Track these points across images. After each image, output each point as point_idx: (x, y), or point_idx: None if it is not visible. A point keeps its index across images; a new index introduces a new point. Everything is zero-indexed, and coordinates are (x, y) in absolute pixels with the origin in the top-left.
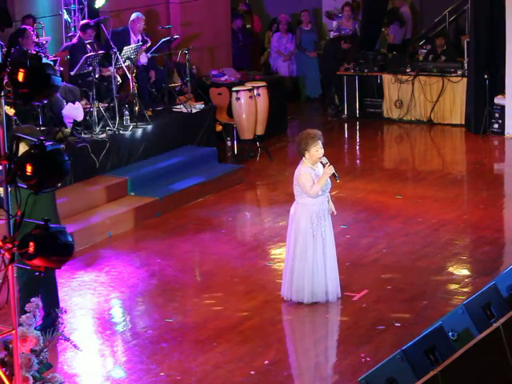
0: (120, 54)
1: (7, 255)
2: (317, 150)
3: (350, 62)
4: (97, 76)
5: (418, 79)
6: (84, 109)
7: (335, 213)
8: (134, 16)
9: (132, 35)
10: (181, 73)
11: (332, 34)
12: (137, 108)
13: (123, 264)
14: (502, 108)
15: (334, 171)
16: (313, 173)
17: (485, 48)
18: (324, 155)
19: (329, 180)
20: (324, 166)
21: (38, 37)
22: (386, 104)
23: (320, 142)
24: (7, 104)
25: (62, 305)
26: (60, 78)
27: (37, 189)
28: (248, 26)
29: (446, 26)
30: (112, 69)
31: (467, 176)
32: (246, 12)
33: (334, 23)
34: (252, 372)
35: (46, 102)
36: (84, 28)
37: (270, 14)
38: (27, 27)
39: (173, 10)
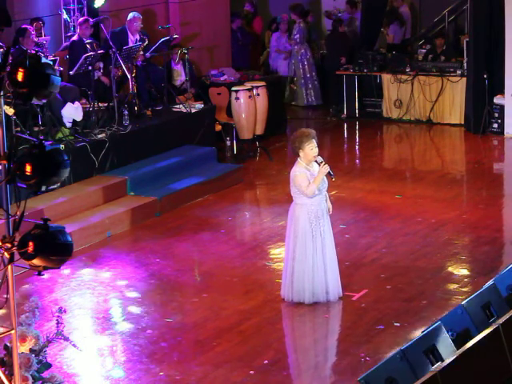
0: (119, 53)
1: (6, 255)
2: (311, 148)
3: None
4: (96, 78)
5: (418, 79)
6: (83, 108)
7: (331, 212)
8: (130, 16)
9: (130, 35)
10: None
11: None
12: (136, 108)
13: (122, 264)
14: (502, 108)
15: (329, 170)
16: (308, 173)
17: (484, 48)
18: (321, 155)
19: (325, 179)
20: (319, 165)
21: (37, 37)
22: (386, 104)
23: (314, 141)
24: (7, 104)
25: (61, 304)
26: (59, 78)
27: (36, 188)
28: (247, 27)
29: (446, 26)
30: (111, 67)
31: (466, 176)
32: (251, 13)
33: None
34: (251, 372)
35: (45, 101)
36: (81, 23)
37: (272, 14)
38: (28, 27)
39: (172, 10)
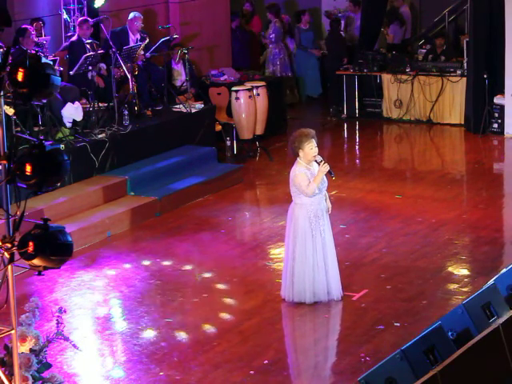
0: (119, 53)
1: (6, 255)
2: (311, 147)
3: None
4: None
5: (418, 79)
6: (83, 108)
7: (330, 211)
8: (131, 15)
9: (130, 34)
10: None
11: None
12: (136, 108)
13: (122, 264)
14: (502, 108)
15: (329, 168)
16: (308, 172)
17: (484, 48)
18: (321, 155)
19: (325, 178)
20: (319, 165)
21: (37, 37)
22: (386, 104)
23: (314, 141)
24: (7, 104)
25: (61, 304)
26: (59, 78)
27: (36, 188)
28: (246, 26)
29: (446, 26)
30: (111, 67)
31: (466, 176)
32: (249, 12)
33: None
34: (251, 372)
35: (45, 101)
36: (81, 23)
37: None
38: (28, 26)
39: (172, 10)
